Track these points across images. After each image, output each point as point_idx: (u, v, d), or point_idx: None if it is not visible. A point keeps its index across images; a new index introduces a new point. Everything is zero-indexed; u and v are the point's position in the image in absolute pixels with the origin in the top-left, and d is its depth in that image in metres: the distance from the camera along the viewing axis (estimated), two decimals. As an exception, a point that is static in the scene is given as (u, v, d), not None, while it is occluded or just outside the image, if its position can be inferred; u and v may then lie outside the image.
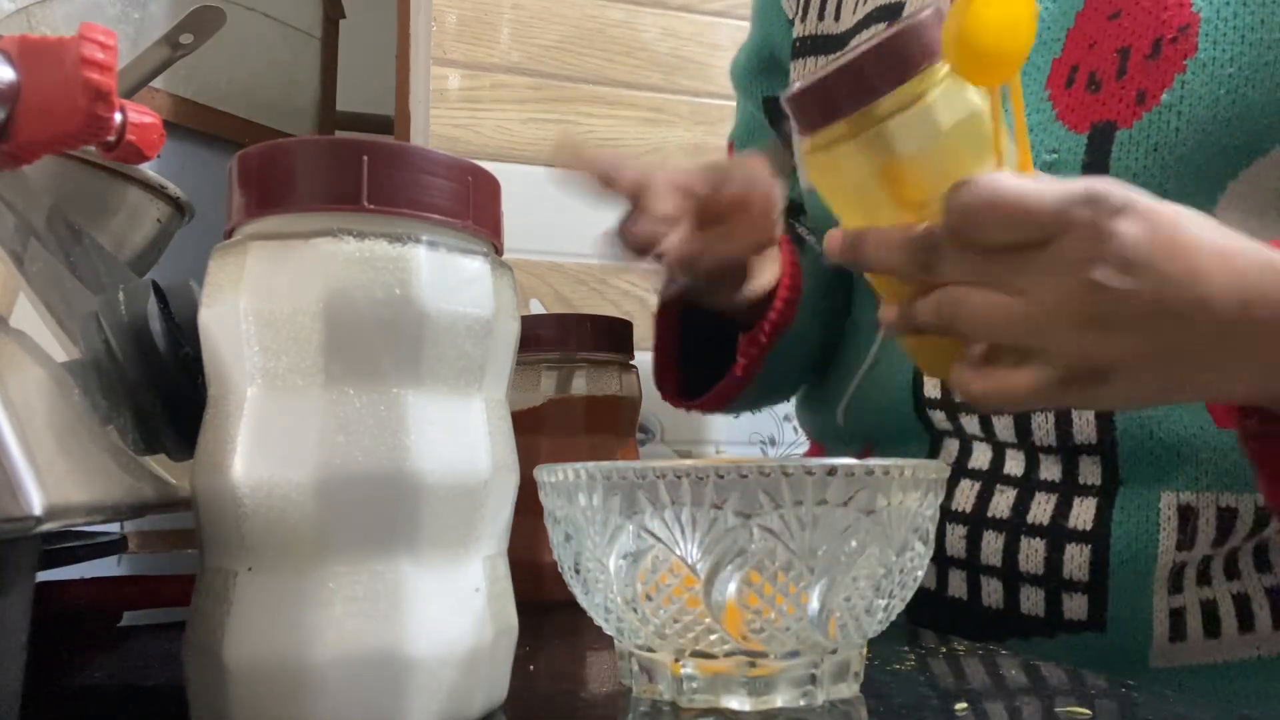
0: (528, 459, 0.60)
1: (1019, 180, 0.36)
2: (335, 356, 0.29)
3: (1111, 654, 0.51)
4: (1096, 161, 0.51)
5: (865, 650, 0.35)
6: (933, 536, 0.34)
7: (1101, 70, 0.52)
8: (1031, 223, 0.36)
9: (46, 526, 0.25)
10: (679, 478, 0.30)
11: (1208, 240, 0.36)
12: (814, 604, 0.31)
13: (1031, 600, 0.53)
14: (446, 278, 0.30)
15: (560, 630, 0.49)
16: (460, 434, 0.31)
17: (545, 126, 0.98)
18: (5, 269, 0.31)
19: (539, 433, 0.58)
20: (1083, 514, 0.52)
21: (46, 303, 0.33)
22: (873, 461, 0.30)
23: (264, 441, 0.29)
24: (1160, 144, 0.49)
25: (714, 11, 1.06)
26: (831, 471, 0.29)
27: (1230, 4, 0.48)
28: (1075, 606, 0.52)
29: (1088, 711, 0.32)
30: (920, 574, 0.34)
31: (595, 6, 1.03)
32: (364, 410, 0.29)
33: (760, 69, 0.79)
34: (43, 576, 0.33)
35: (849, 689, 0.33)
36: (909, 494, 0.31)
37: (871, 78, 0.38)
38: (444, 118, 0.95)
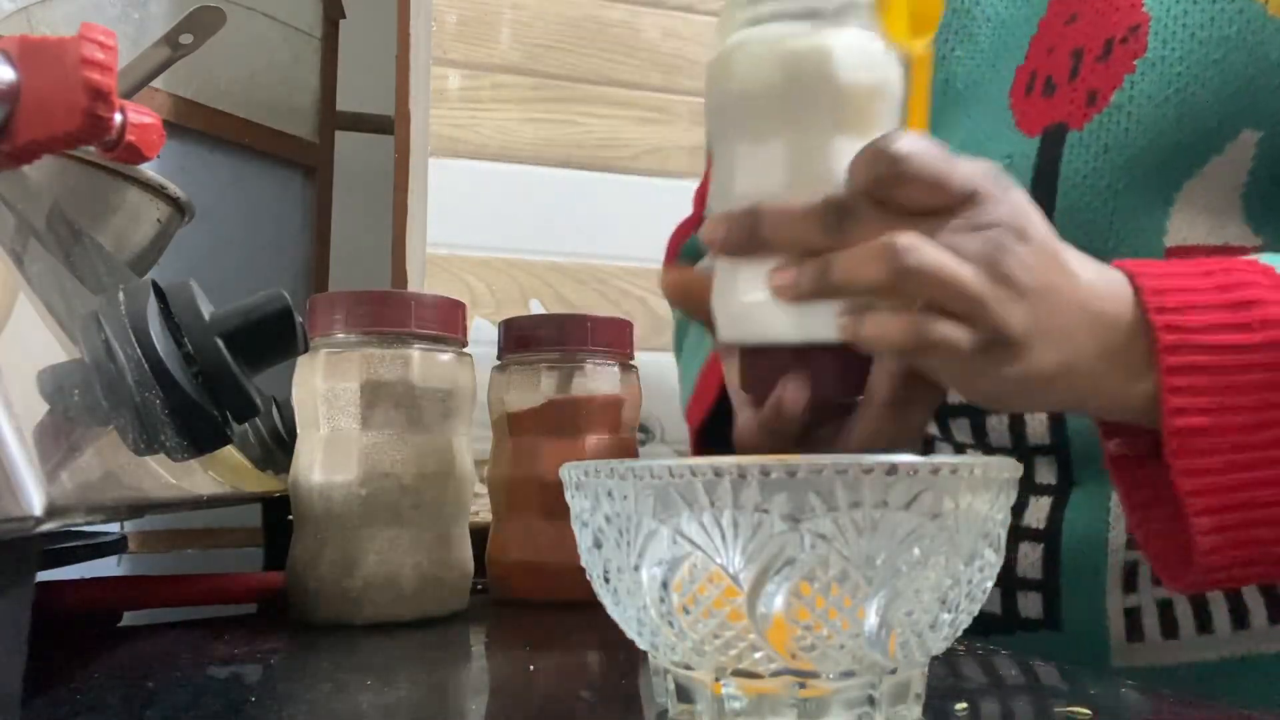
0: (528, 459, 0.60)
1: (937, 146, 0.37)
2: None
3: (1071, 653, 0.51)
4: (1048, 164, 0.50)
5: (927, 670, 0.31)
6: (1004, 543, 0.30)
7: (1057, 74, 0.51)
8: (948, 186, 0.37)
9: (46, 526, 0.25)
10: (719, 476, 0.26)
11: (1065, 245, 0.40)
12: (872, 619, 0.27)
13: (988, 598, 0.53)
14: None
15: (560, 630, 0.49)
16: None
17: (545, 126, 0.98)
18: (5, 269, 0.31)
19: (539, 433, 0.58)
20: (1037, 513, 0.52)
21: (46, 303, 0.33)
22: (940, 459, 0.27)
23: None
24: (1110, 145, 0.48)
25: (714, 12, 1.06)
26: (892, 470, 0.26)
27: (1180, 2, 0.48)
28: (1029, 605, 0.52)
29: (1088, 711, 0.32)
30: (989, 585, 0.30)
31: (595, 6, 1.03)
32: None
33: None
34: (43, 576, 0.33)
35: (910, 712, 0.30)
36: (979, 495, 0.28)
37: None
38: (444, 118, 0.95)
